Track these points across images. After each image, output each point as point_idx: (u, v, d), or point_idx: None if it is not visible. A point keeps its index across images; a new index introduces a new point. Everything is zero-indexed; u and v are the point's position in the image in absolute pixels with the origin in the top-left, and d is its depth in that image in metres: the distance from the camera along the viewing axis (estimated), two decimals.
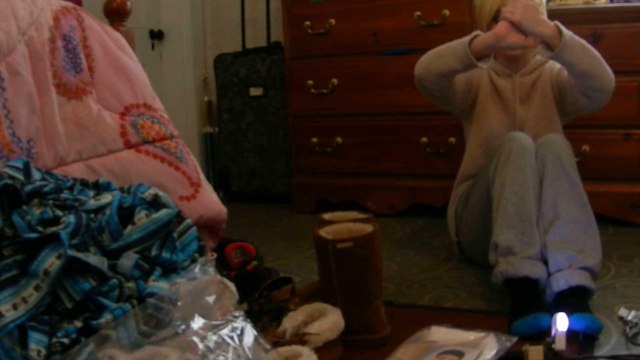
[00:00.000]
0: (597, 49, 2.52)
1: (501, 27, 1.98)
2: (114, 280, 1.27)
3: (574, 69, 1.98)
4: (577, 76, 2.00)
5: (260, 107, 3.37)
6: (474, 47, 2.00)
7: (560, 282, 1.72)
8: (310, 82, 3.04)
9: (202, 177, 1.87)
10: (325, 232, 1.61)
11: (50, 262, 1.19)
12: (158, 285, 1.30)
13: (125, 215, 1.37)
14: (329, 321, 1.49)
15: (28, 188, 1.34)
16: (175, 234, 1.42)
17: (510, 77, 2.19)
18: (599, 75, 1.96)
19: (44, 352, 1.14)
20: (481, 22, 2.17)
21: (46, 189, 1.36)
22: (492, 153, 2.02)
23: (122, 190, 1.49)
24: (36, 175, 1.43)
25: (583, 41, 1.97)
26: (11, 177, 1.34)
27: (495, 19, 2.09)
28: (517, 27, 1.97)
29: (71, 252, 1.22)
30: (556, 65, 2.16)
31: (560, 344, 1.42)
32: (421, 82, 2.16)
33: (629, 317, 1.59)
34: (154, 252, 1.36)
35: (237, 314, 1.23)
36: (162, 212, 1.40)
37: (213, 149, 3.66)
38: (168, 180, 1.77)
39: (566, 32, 1.93)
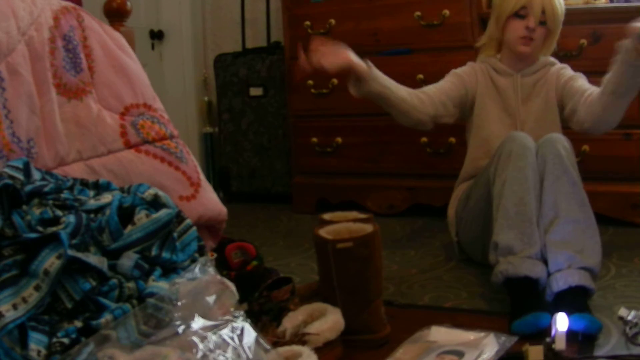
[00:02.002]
0: (597, 49, 2.54)
1: None
2: (114, 280, 1.28)
3: None
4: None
5: (260, 107, 3.37)
6: None
7: (559, 282, 1.72)
8: (310, 82, 3.04)
9: (202, 177, 1.87)
10: (325, 232, 1.61)
11: (50, 262, 1.19)
12: (158, 285, 1.30)
13: (125, 215, 1.37)
14: (329, 321, 1.49)
15: (28, 188, 1.34)
16: (175, 234, 1.42)
17: (511, 76, 2.19)
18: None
19: (44, 352, 1.14)
20: (500, 12, 2.15)
21: (46, 189, 1.36)
22: (493, 153, 2.02)
23: (122, 190, 1.49)
24: (36, 175, 1.43)
25: None
26: (11, 177, 1.34)
27: (517, 14, 2.09)
28: None
29: (71, 252, 1.22)
30: (565, 73, 2.15)
31: (560, 344, 1.42)
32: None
33: (629, 317, 1.59)
34: (154, 252, 1.36)
35: (237, 314, 1.23)
36: (162, 212, 1.40)
37: (213, 149, 3.66)
38: (168, 180, 1.77)
39: None
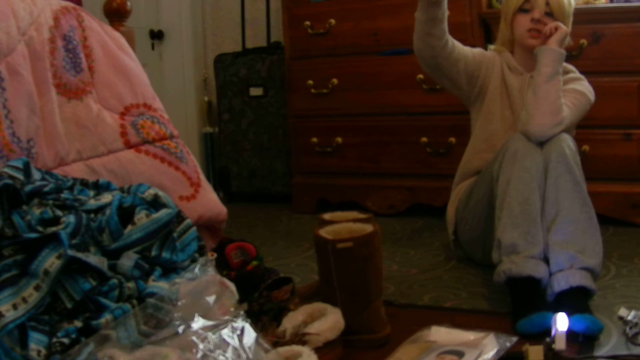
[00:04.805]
0: (597, 48, 2.54)
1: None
2: (114, 280, 1.28)
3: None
4: None
5: (260, 107, 3.37)
6: None
7: (561, 282, 1.72)
8: (310, 82, 3.04)
9: (202, 177, 1.87)
10: (325, 232, 1.61)
11: (50, 262, 1.19)
12: (158, 285, 1.30)
13: (125, 215, 1.37)
14: (329, 321, 1.49)
15: (28, 188, 1.34)
16: (175, 234, 1.42)
17: (521, 75, 2.18)
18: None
19: (44, 352, 1.14)
20: (506, 10, 2.17)
21: (46, 189, 1.36)
22: (497, 150, 2.01)
23: (122, 190, 1.49)
24: (36, 175, 1.43)
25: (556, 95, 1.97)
26: (11, 177, 1.34)
27: (522, 9, 2.10)
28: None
29: (71, 252, 1.22)
30: (565, 76, 2.14)
31: (560, 344, 1.42)
32: (419, 54, 2.16)
33: (629, 317, 1.59)
34: (154, 252, 1.36)
35: (237, 314, 1.23)
36: (162, 212, 1.40)
37: (213, 149, 3.67)
38: (168, 180, 1.77)
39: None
